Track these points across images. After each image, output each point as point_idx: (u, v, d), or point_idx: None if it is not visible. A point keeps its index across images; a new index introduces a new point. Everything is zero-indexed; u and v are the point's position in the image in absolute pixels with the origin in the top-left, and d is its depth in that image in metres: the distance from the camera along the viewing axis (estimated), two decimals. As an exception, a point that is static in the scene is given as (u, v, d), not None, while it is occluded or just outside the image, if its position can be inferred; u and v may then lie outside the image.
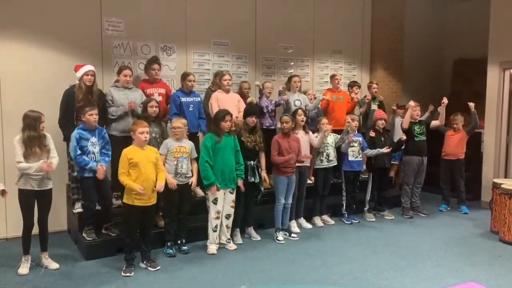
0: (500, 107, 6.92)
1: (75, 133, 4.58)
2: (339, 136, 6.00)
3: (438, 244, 5.31)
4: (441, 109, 6.54)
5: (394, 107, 7.20)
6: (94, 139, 4.63)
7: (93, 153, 4.62)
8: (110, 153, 4.78)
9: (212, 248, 4.94)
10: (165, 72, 6.02)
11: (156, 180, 4.46)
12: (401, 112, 7.24)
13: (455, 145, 6.64)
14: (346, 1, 7.77)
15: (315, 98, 6.73)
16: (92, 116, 4.57)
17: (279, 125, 5.68)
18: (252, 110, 5.39)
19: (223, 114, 4.93)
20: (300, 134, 5.65)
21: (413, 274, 4.40)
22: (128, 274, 4.30)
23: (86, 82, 4.90)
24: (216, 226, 4.96)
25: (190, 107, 5.54)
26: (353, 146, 6.05)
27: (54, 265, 4.48)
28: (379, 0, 7.97)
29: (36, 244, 4.47)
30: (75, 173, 4.83)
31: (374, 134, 6.21)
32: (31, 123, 4.20)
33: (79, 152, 4.54)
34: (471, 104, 6.49)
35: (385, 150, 6.05)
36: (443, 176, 6.83)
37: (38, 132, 4.23)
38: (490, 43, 6.97)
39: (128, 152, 4.35)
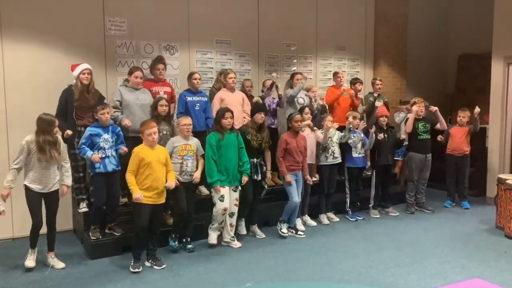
0: (504, 102, 6.87)
1: (87, 131, 4.66)
2: (341, 133, 6.01)
3: (443, 240, 5.29)
4: (436, 114, 6.38)
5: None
6: (106, 136, 4.68)
7: (105, 149, 4.66)
8: (123, 145, 4.84)
9: (213, 237, 4.99)
10: (168, 71, 6.00)
11: (166, 180, 4.51)
12: (404, 108, 7.21)
13: (460, 140, 6.59)
14: (349, -3, 7.75)
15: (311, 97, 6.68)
16: (104, 114, 4.64)
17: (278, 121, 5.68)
18: (260, 106, 5.43)
19: (223, 111, 4.98)
20: (307, 131, 5.66)
21: (418, 271, 4.39)
22: (136, 270, 4.33)
23: (83, 80, 4.94)
24: (222, 222, 5.00)
25: (196, 106, 5.58)
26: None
27: (60, 265, 4.51)
28: (383, -4, 7.95)
29: (43, 244, 4.50)
30: (83, 174, 4.96)
31: (374, 129, 6.11)
32: (46, 128, 4.24)
33: (82, 145, 4.61)
34: (477, 110, 6.41)
35: (377, 135, 6.06)
36: (449, 172, 6.79)
37: (52, 137, 4.27)
38: (494, 37, 6.92)
39: (140, 151, 4.39)
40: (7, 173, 4.26)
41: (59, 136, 4.42)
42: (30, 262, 4.40)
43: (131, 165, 4.37)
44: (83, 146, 4.61)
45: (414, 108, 6.35)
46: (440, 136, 6.51)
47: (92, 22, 5.66)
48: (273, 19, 6.94)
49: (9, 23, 5.21)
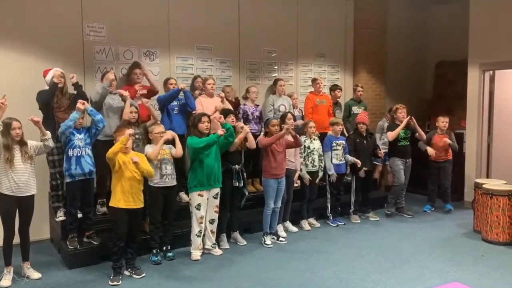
0: (480, 108, 7.02)
1: (70, 116, 4.58)
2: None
3: (422, 245, 5.35)
4: (415, 126, 6.43)
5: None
6: (80, 136, 4.66)
7: (79, 147, 4.63)
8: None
9: (196, 254, 4.91)
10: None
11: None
12: (389, 117, 7.30)
13: (442, 147, 6.66)
14: (329, 5, 7.81)
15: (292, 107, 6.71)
16: (77, 120, 4.61)
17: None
18: (227, 111, 5.41)
19: (200, 116, 4.97)
20: (290, 138, 5.66)
21: (398, 276, 4.43)
22: (115, 283, 4.24)
23: (58, 84, 4.86)
24: (200, 232, 4.93)
25: (175, 110, 5.56)
26: (336, 150, 6.09)
27: (36, 275, 4.41)
28: (362, 4, 8.05)
29: (18, 254, 4.39)
30: (60, 181, 4.86)
31: (350, 160, 6.15)
32: (3, 131, 4.18)
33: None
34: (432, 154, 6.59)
35: (357, 162, 6.12)
36: (431, 178, 6.85)
37: (10, 139, 4.16)
38: (470, 45, 7.07)
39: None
40: None
41: (30, 142, 4.32)
42: (5, 282, 4.24)
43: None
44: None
45: (404, 121, 6.34)
46: (426, 147, 6.62)
47: (71, 28, 5.58)
48: (253, 25, 6.96)
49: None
